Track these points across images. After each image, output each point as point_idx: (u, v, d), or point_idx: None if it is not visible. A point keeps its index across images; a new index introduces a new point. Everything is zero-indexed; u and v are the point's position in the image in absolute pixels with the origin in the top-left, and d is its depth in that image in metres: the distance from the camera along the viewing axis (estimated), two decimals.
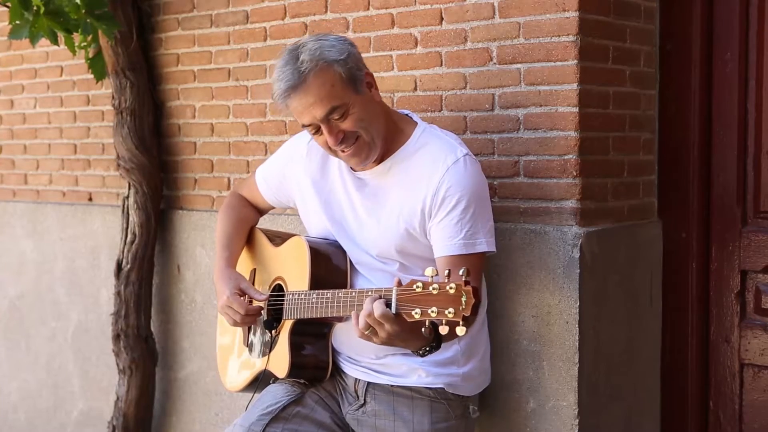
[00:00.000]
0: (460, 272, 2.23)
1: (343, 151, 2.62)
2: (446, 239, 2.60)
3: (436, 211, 2.62)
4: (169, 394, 4.00)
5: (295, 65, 2.55)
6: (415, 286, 2.26)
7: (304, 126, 2.62)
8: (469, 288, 2.20)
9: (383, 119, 2.67)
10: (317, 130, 2.60)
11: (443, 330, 2.22)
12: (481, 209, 2.63)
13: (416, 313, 2.24)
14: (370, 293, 2.38)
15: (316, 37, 2.63)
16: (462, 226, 2.59)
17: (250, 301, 2.80)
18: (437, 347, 2.44)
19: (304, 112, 2.57)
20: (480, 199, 2.64)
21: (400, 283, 2.33)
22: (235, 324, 2.81)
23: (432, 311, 2.22)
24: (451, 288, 2.22)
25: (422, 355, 2.45)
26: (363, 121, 2.59)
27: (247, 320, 2.77)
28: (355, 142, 2.61)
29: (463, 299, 2.20)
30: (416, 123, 2.74)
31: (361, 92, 2.60)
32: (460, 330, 2.20)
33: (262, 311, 2.81)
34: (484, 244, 2.61)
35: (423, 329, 2.27)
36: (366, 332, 2.37)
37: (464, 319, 2.20)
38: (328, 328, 2.75)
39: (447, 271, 2.24)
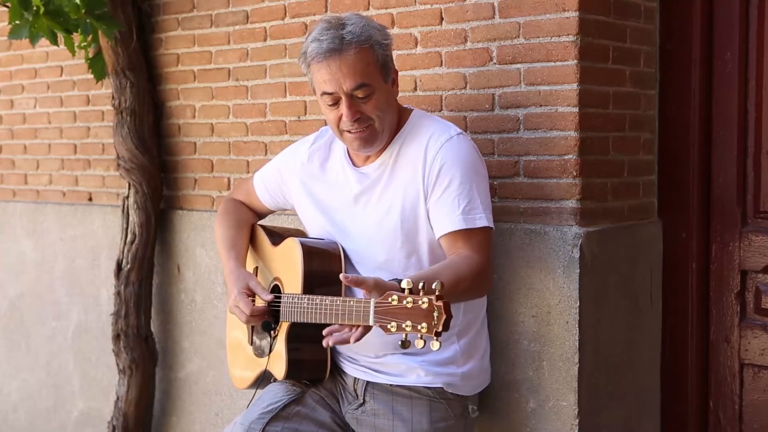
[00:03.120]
0: (434, 285, 2.21)
1: (350, 132, 2.63)
2: (444, 216, 2.59)
3: (432, 188, 2.62)
4: (169, 394, 4.00)
5: (339, 32, 2.57)
6: (390, 299, 2.24)
7: (323, 94, 2.62)
8: (440, 303, 2.18)
9: (394, 117, 2.70)
10: (335, 103, 2.61)
11: (419, 344, 2.21)
12: (478, 185, 2.62)
13: (392, 326, 2.23)
14: (352, 303, 2.36)
15: (360, 16, 2.66)
16: (459, 201, 2.59)
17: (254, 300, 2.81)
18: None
19: (332, 80, 2.58)
20: (476, 175, 2.63)
21: (377, 285, 2.31)
22: (245, 323, 2.82)
23: (406, 325, 2.21)
24: (423, 303, 2.20)
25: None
26: (380, 110, 2.62)
27: (253, 320, 2.77)
28: (367, 128, 2.62)
29: (435, 314, 2.18)
30: (411, 110, 2.77)
31: (388, 83, 2.65)
32: (434, 345, 2.19)
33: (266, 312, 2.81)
34: (484, 219, 2.60)
35: (400, 342, 2.25)
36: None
37: (437, 334, 2.18)
38: (325, 328, 2.74)
39: (422, 284, 2.22)
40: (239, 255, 2.92)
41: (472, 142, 2.71)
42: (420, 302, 2.20)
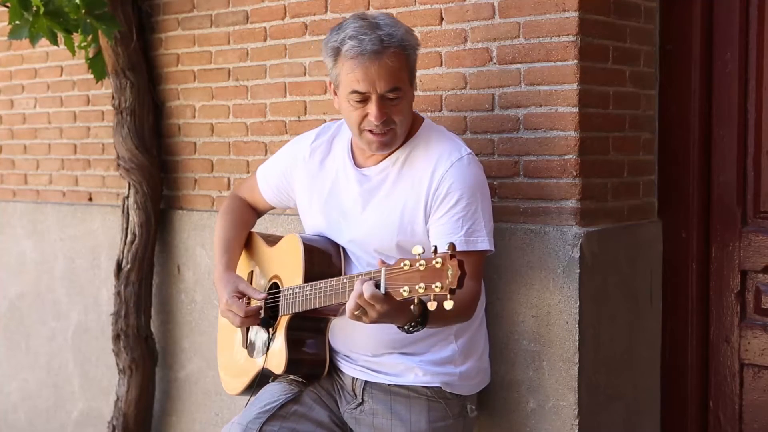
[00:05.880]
0: (446, 247, 2.22)
1: (372, 132, 2.63)
2: (446, 235, 2.60)
3: (437, 206, 2.62)
4: (169, 394, 4.00)
5: (378, 33, 2.56)
6: (402, 264, 2.26)
7: (353, 92, 2.59)
8: (454, 261, 2.19)
9: (410, 120, 2.71)
10: (362, 100, 2.60)
11: (432, 306, 2.21)
12: (482, 208, 2.63)
13: (404, 290, 2.24)
14: (360, 276, 2.38)
15: (391, 17, 2.65)
16: (463, 222, 2.60)
17: (249, 302, 2.80)
18: (423, 324, 2.42)
19: (367, 80, 2.57)
20: (482, 197, 2.64)
21: (382, 262, 2.33)
22: (239, 325, 2.82)
23: (420, 287, 2.22)
24: (437, 262, 2.21)
25: (408, 332, 2.44)
26: (403, 115, 2.64)
27: (248, 321, 2.77)
28: (390, 131, 2.63)
29: (449, 272, 2.19)
30: (422, 119, 2.77)
31: (413, 87, 2.67)
32: (448, 304, 2.18)
33: (261, 310, 2.82)
34: (485, 242, 2.61)
35: (412, 306, 2.27)
36: (356, 313, 2.36)
37: (451, 291, 2.19)
38: (324, 323, 2.75)
39: (434, 247, 2.24)
40: (231, 259, 2.92)
41: (480, 163, 2.71)
42: (434, 262, 2.21)
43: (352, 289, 2.37)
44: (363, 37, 2.56)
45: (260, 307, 2.76)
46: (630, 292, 3.04)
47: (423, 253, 2.24)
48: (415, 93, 3.12)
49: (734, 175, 3.09)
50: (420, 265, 2.23)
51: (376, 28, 2.58)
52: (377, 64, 2.55)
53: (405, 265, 2.25)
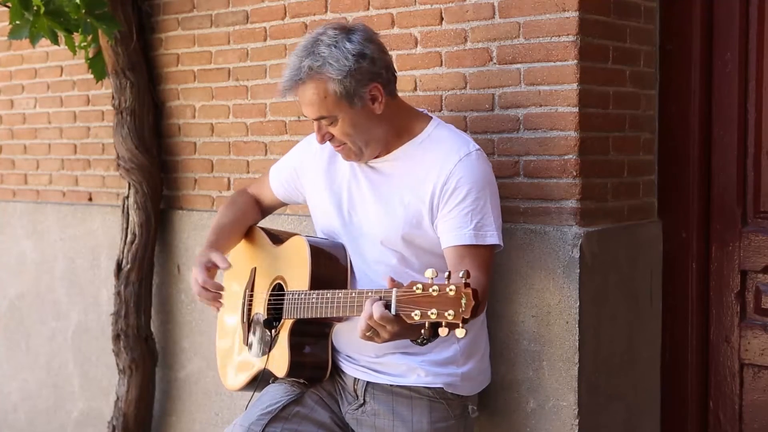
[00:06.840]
0: (460, 274, 2.23)
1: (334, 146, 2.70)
2: (455, 229, 2.60)
3: (446, 200, 2.62)
4: (169, 394, 4.00)
5: (301, 63, 2.58)
6: (415, 288, 2.26)
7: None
8: (469, 290, 2.20)
9: (383, 127, 2.67)
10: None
11: (443, 332, 2.22)
12: (491, 203, 2.63)
13: (416, 314, 2.24)
14: (369, 294, 2.38)
15: (335, 38, 2.58)
16: (472, 216, 2.59)
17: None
18: (435, 338, 2.41)
19: (302, 106, 2.66)
20: (490, 192, 2.64)
21: (392, 281, 2.33)
22: (195, 293, 2.80)
23: (432, 313, 2.22)
24: (450, 290, 2.21)
25: (421, 344, 2.44)
26: (349, 135, 2.64)
27: (204, 293, 2.77)
28: (342, 146, 2.67)
29: (463, 301, 2.20)
30: (431, 118, 2.76)
31: (356, 106, 2.60)
32: (460, 332, 2.20)
33: (260, 311, 2.82)
34: (495, 237, 2.61)
35: (423, 330, 2.27)
36: (368, 334, 2.36)
37: (464, 320, 2.20)
38: (328, 327, 2.75)
39: (447, 273, 2.24)
40: (217, 241, 2.91)
41: (488, 160, 2.71)
42: (447, 289, 2.21)
43: (359, 305, 2.39)
44: (289, 64, 2.61)
45: (221, 286, 2.76)
46: (630, 292, 3.04)
47: (436, 276, 2.24)
48: (415, 93, 3.14)
49: (734, 175, 3.09)
50: (433, 290, 2.23)
51: (309, 55, 2.57)
52: (297, 92, 2.62)
53: (417, 288, 2.25)
